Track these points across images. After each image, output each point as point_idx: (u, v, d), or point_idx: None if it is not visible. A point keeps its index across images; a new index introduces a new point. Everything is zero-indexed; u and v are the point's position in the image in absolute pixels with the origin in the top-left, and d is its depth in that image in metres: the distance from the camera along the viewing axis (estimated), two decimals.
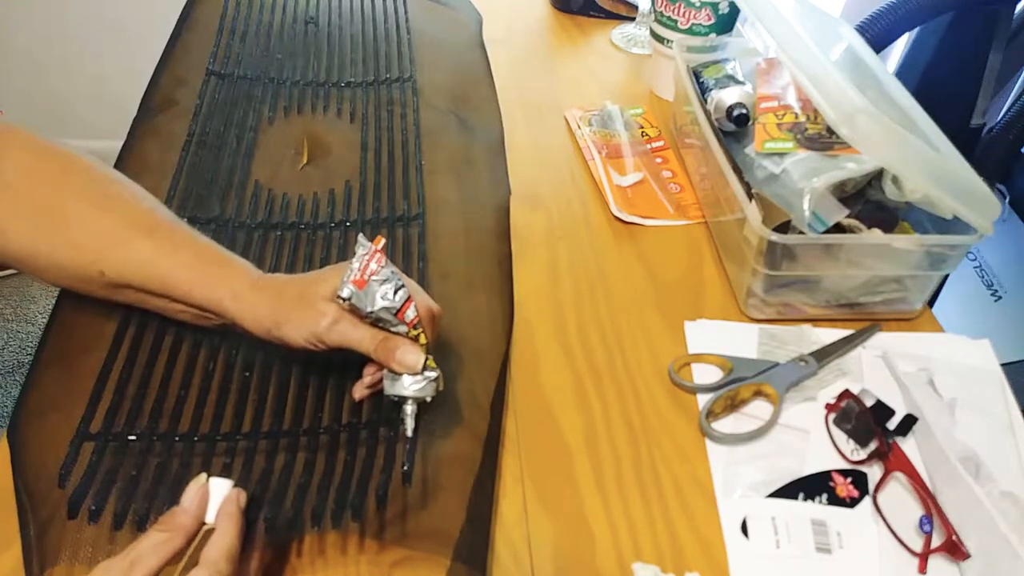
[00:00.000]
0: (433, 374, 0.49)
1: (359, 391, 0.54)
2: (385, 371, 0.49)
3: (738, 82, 0.75)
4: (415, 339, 0.48)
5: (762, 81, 0.73)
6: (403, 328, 0.48)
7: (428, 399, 0.49)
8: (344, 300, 0.47)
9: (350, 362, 0.56)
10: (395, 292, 0.47)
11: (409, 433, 0.49)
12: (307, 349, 0.50)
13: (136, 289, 0.54)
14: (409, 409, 0.49)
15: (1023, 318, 1.21)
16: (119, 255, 0.52)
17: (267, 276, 0.53)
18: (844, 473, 0.54)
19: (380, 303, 0.47)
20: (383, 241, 0.48)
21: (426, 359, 0.48)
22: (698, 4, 0.85)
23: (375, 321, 0.48)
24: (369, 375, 0.53)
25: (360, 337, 0.49)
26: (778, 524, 0.51)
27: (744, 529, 0.51)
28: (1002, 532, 0.47)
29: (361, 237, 0.49)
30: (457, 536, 0.48)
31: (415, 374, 0.48)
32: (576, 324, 0.64)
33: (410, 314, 0.48)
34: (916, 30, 1.26)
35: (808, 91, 0.60)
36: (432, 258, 0.67)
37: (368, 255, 0.47)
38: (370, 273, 0.47)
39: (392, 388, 0.49)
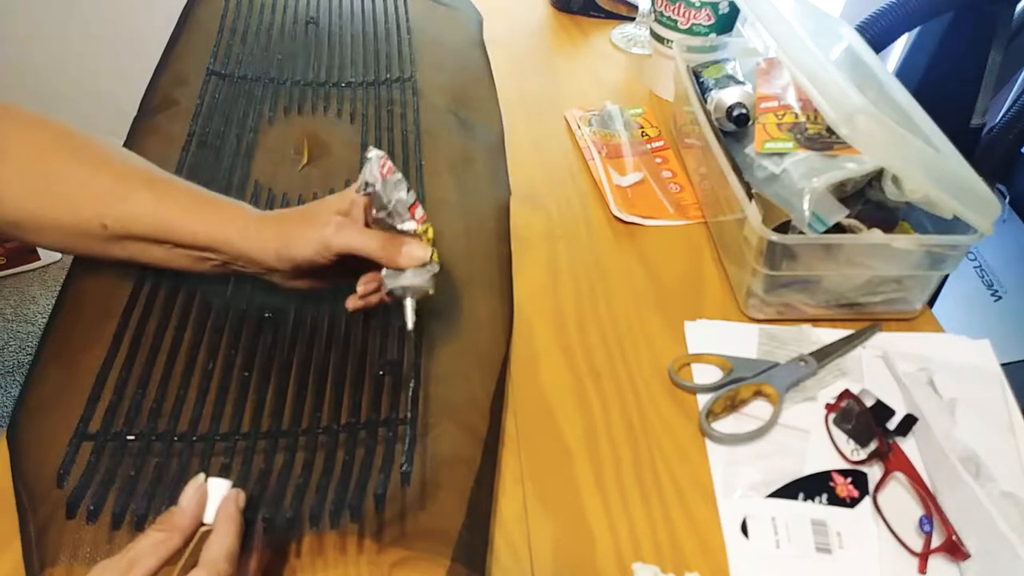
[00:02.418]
0: (435, 267, 0.52)
1: (352, 302, 0.55)
2: (385, 270, 0.52)
3: (738, 82, 0.74)
4: (422, 235, 0.52)
5: (762, 81, 0.73)
6: (412, 224, 0.52)
7: (430, 291, 0.52)
8: (368, 186, 0.51)
9: (349, 362, 0.57)
10: (407, 191, 0.51)
11: (410, 326, 0.52)
12: (316, 263, 0.52)
13: (138, 239, 0.55)
14: (409, 303, 0.52)
15: (1023, 318, 1.21)
16: (121, 207, 0.54)
17: (268, 212, 0.56)
18: (844, 473, 0.54)
19: (397, 195, 0.51)
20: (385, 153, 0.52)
21: (432, 252, 0.52)
22: (698, 4, 0.85)
23: (385, 216, 0.51)
24: (362, 285, 0.54)
25: (366, 239, 0.51)
26: (778, 524, 0.51)
27: (744, 529, 0.51)
28: (1002, 532, 0.47)
29: (371, 147, 0.52)
30: (457, 536, 0.48)
31: (418, 268, 0.52)
32: (576, 324, 0.64)
33: (420, 211, 0.52)
34: (916, 30, 1.26)
35: (808, 91, 0.60)
36: None
37: (382, 160, 0.51)
38: (387, 171, 0.51)
39: (394, 282, 0.52)
